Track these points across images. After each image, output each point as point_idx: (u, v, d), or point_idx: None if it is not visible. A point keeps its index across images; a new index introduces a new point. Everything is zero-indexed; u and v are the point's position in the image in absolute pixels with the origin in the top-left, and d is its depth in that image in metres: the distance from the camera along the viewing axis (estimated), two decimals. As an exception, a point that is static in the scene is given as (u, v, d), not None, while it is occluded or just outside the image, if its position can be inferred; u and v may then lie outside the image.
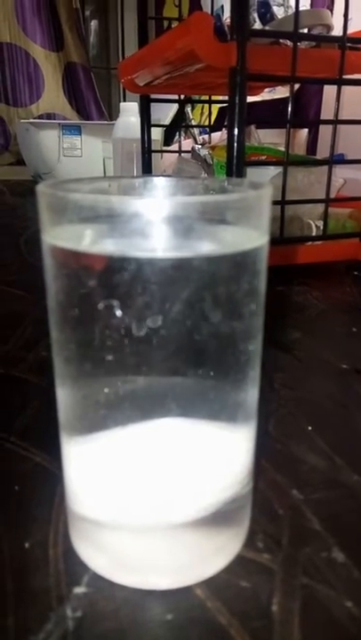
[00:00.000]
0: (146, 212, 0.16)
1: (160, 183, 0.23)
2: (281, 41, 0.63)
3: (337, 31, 0.62)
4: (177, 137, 1.48)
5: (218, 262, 0.17)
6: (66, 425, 0.21)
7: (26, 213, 1.17)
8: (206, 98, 0.99)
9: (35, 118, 2.12)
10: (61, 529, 0.24)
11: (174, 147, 1.27)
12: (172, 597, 0.20)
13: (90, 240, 0.18)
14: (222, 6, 0.66)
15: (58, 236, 0.18)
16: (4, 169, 2.02)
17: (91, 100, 2.39)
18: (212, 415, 0.19)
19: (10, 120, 2.21)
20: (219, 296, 0.17)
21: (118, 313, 0.17)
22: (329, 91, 1.27)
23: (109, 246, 0.17)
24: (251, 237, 0.18)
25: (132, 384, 0.18)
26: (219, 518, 0.21)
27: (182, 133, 1.42)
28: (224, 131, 1.08)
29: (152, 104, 0.89)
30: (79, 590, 0.21)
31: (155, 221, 0.16)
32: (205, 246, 0.17)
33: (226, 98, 0.57)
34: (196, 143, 1.20)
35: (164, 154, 1.24)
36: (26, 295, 0.59)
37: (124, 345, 0.17)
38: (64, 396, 0.20)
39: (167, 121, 1.49)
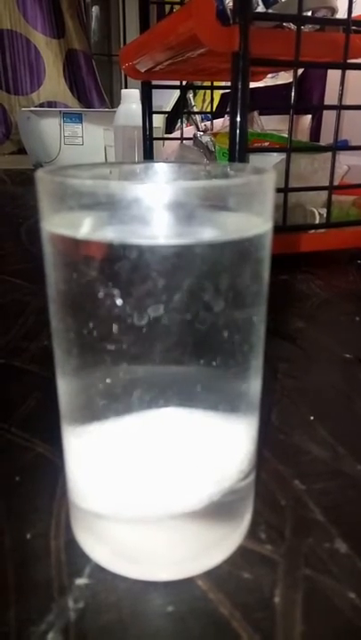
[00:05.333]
0: (146, 198, 0.16)
1: (161, 169, 0.22)
2: (284, 24, 0.62)
3: (341, 14, 0.60)
4: (179, 124, 1.47)
5: (220, 249, 0.17)
6: (67, 415, 0.20)
7: (27, 203, 1.16)
8: (208, 84, 0.98)
9: (36, 106, 2.11)
10: (63, 520, 0.24)
11: (176, 134, 1.26)
12: (173, 589, 0.20)
13: (90, 227, 0.17)
14: (225, -11, 0.65)
15: (57, 224, 0.17)
16: (5, 158, 2.02)
17: (92, 87, 2.37)
18: (214, 405, 0.19)
19: (11, 108, 2.20)
20: (221, 284, 0.17)
21: (119, 302, 0.17)
22: (333, 75, 1.26)
23: (110, 233, 0.17)
24: (254, 224, 0.18)
25: (133, 374, 0.18)
26: (221, 509, 0.20)
27: (184, 120, 1.41)
28: (226, 117, 1.07)
29: (154, 91, 0.88)
30: (81, 581, 0.20)
31: (156, 207, 0.16)
32: (208, 233, 0.17)
33: (228, 83, 0.56)
34: (199, 130, 1.19)
35: (166, 141, 1.23)
36: (27, 285, 0.58)
37: (125, 334, 0.17)
38: (65, 386, 0.20)
39: (169, 108, 1.48)
